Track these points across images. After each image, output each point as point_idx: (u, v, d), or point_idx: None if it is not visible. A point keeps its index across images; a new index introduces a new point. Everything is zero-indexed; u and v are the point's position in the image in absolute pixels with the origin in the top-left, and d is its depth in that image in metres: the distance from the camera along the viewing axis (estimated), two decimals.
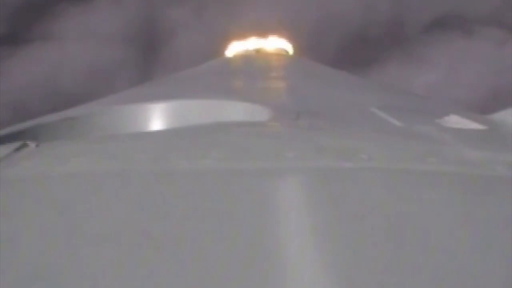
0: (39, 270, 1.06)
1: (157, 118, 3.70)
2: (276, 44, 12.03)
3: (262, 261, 1.07)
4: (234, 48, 11.90)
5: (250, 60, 9.67)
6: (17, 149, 2.12)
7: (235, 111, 3.51)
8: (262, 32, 12.35)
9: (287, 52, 11.86)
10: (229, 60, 10.70)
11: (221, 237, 1.19)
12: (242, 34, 12.23)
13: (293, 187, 1.62)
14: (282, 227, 1.24)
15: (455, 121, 3.07)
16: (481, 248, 1.16)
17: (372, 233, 1.21)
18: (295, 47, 11.21)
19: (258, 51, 11.39)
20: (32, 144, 2.21)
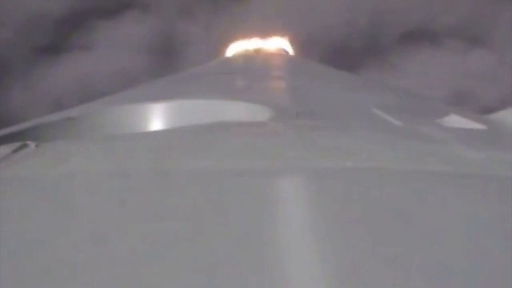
0: (39, 270, 1.06)
1: (157, 118, 3.70)
2: (276, 44, 12.05)
3: (263, 261, 1.07)
4: (234, 48, 11.92)
5: (250, 60, 9.68)
6: (17, 149, 2.12)
7: (234, 111, 3.51)
8: (263, 32, 12.42)
9: (287, 52, 11.88)
10: (229, 60, 10.71)
11: (221, 237, 1.19)
12: (243, 34, 12.29)
13: (293, 187, 1.62)
14: (283, 227, 1.24)
15: (455, 121, 3.07)
16: (481, 248, 1.16)
17: (373, 233, 1.21)
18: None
19: (258, 51, 11.41)
20: (32, 144, 2.21)
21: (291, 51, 12.11)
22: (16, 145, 2.17)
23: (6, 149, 2.11)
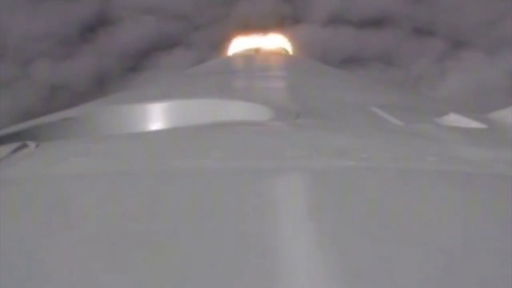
0: (38, 270, 1.06)
1: (157, 118, 3.70)
2: (276, 43, 12.04)
3: (263, 261, 1.07)
4: (235, 47, 11.91)
5: (250, 59, 9.67)
6: (17, 149, 2.12)
7: (235, 110, 3.51)
8: (262, 31, 12.46)
9: (287, 51, 11.87)
10: (229, 59, 10.71)
11: (222, 237, 1.19)
12: (243, 33, 12.34)
13: (293, 187, 1.62)
14: (282, 227, 1.24)
15: (455, 120, 3.07)
16: (481, 247, 1.16)
17: (373, 233, 1.21)
18: None
19: (258, 50, 11.40)
20: (31, 144, 2.21)
21: (291, 50, 12.10)
22: (16, 145, 2.17)
23: (6, 149, 2.11)
